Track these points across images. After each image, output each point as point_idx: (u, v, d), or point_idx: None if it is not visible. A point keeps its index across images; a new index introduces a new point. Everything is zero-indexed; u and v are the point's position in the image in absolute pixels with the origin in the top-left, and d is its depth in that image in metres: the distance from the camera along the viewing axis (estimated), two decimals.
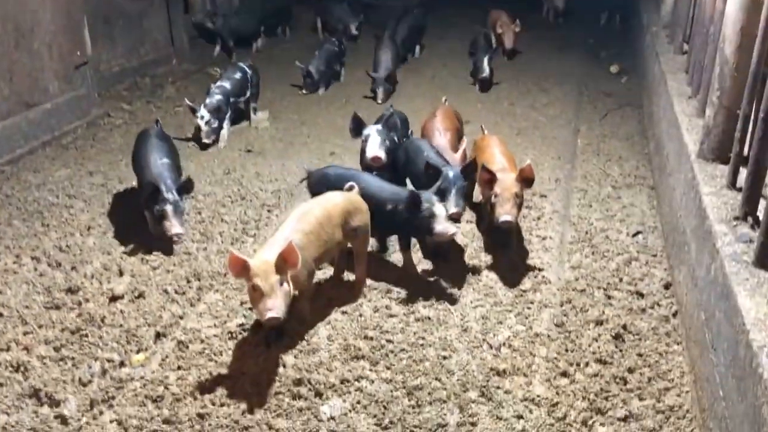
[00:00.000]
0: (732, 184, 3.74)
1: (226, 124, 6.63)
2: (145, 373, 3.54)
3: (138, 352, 3.72)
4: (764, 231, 2.97)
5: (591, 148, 6.51)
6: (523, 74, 8.91)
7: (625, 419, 3.22)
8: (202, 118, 6.38)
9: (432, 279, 4.34)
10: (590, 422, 3.20)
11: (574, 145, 6.58)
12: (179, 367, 3.57)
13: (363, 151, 4.98)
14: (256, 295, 3.23)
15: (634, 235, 4.87)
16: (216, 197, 5.52)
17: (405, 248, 4.37)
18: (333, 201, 3.92)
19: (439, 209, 3.97)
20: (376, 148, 4.87)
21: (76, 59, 6.82)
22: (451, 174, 4.28)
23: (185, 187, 4.70)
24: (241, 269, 3.24)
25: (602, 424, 3.19)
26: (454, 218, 4.21)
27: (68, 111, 6.73)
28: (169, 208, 4.52)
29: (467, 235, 4.88)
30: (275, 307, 3.21)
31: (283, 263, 3.25)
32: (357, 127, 5.07)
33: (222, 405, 3.32)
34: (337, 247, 3.97)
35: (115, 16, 7.93)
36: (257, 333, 3.76)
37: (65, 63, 6.66)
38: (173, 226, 4.53)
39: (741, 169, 3.71)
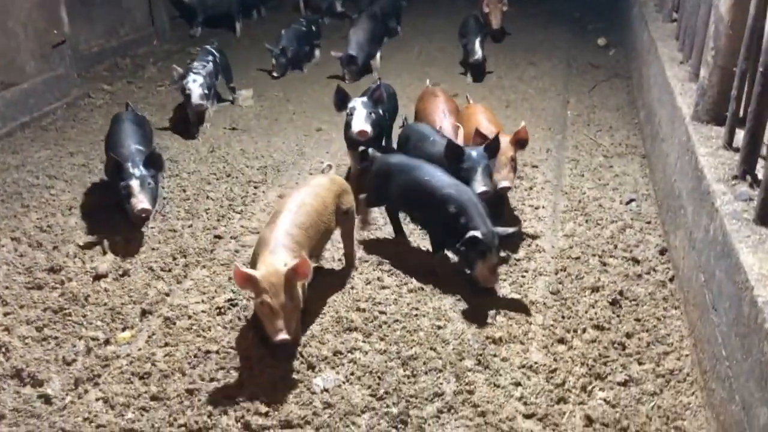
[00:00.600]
0: (728, 144, 3.66)
1: (210, 103, 6.42)
2: (131, 351, 3.43)
3: (123, 329, 3.61)
4: (765, 187, 2.89)
5: (581, 119, 6.42)
6: (511, 48, 8.80)
7: (624, 384, 3.16)
8: (195, 81, 5.98)
9: (424, 250, 4.25)
10: (589, 388, 3.12)
11: (564, 116, 6.49)
12: (166, 344, 3.47)
13: (348, 125, 4.79)
14: (265, 310, 2.97)
15: (628, 202, 4.80)
16: (201, 175, 5.39)
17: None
18: (325, 186, 3.69)
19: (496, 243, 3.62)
20: (361, 122, 4.68)
21: (53, 38, 6.64)
22: (474, 153, 4.04)
23: (152, 161, 4.39)
24: (248, 283, 2.99)
25: (602, 389, 3.12)
26: (483, 198, 3.86)
27: (47, 91, 6.55)
28: (134, 183, 4.22)
29: None
30: (287, 327, 2.98)
31: (294, 275, 2.98)
32: (341, 101, 4.86)
33: (212, 380, 3.22)
34: (329, 235, 3.77)
35: None
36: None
37: (42, 42, 6.48)
38: (139, 202, 4.20)
39: (737, 129, 3.65)
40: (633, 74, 7.36)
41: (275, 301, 2.93)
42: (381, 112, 4.96)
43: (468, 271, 3.79)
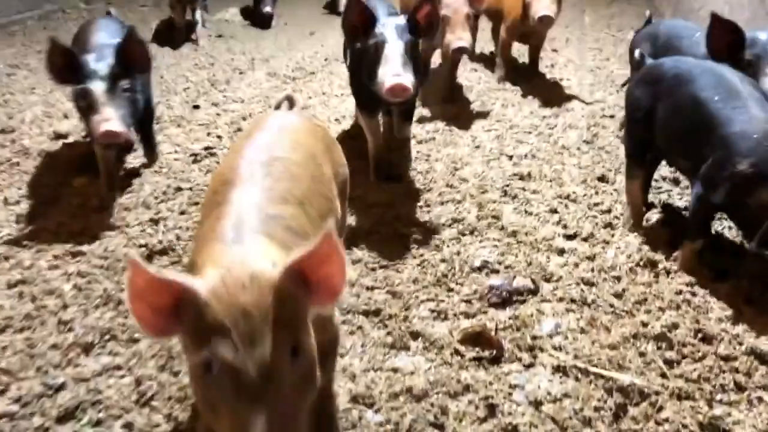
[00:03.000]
0: None
1: (199, 15, 5.75)
2: (86, 191, 2.86)
3: (79, 176, 3.03)
4: None
5: (600, 23, 5.89)
6: None
7: (686, 209, 2.61)
8: None
9: (432, 113, 3.69)
10: (645, 214, 2.56)
11: (582, 21, 5.95)
12: (129, 185, 2.90)
13: (371, 69, 2.56)
14: (224, 384, 1.08)
15: None
16: (180, 66, 4.81)
17: None
18: (304, 130, 1.80)
19: None
20: (398, 70, 2.48)
21: None
22: (763, 36, 2.38)
23: (130, 55, 2.63)
24: (170, 313, 1.15)
25: (658, 213, 2.57)
26: None
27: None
28: (97, 87, 2.52)
29: (471, 79, 4.25)
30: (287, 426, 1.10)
31: (298, 284, 1.17)
32: (363, 19, 2.59)
33: (182, 213, 2.66)
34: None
35: None
36: None
37: None
38: (103, 120, 2.49)
39: None
40: None
41: (252, 356, 1.08)
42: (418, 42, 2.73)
43: None
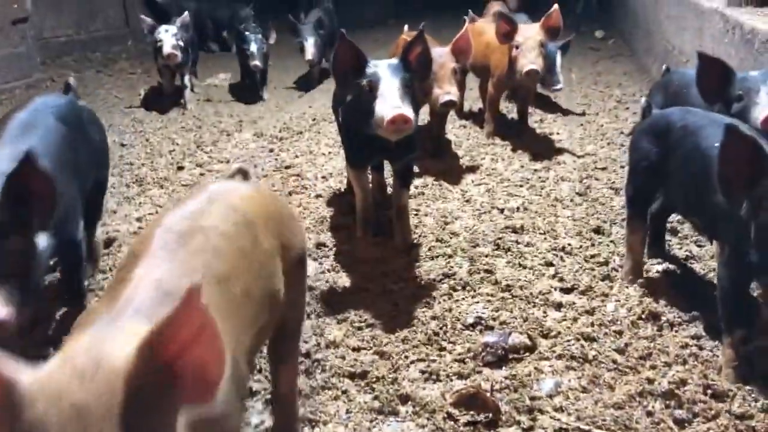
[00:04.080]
0: None
1: (187, 79, 5.74)
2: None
3: None
4: None
5: (587, 80, 5.89)
6: None
7: (686, 259, 2.52)
8: (167, 31, 5.06)
9: (420, 168, 3.62)
10: (645, 266, 2.45)
11: (569, 77, 5.96)
12: (108, 247, 2.79)
13: (365, 108, 2.39)
14: None
15: None
16: (168, 130, 4.76)
17: None
18: (247, 198, 1.52)
19: None
20: (397, 102, 2.33)
21: (12, 12, 6.12)
22: (752, 72, 2.34)
23: (26, 186, 1.70)
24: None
25: (659, 263, 2.47)
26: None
27: (4, 68, 5.99)
28: None
29: (459, 135, 4.19)
30: None
31: (153, 373, 0.88)
32: (353, 60, 2.46)
33: None
34: (274, 314, 1.47)
35: None
36: None
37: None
38: None
39: None
40: (639, 46, 6.91)
41: None
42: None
43: None
